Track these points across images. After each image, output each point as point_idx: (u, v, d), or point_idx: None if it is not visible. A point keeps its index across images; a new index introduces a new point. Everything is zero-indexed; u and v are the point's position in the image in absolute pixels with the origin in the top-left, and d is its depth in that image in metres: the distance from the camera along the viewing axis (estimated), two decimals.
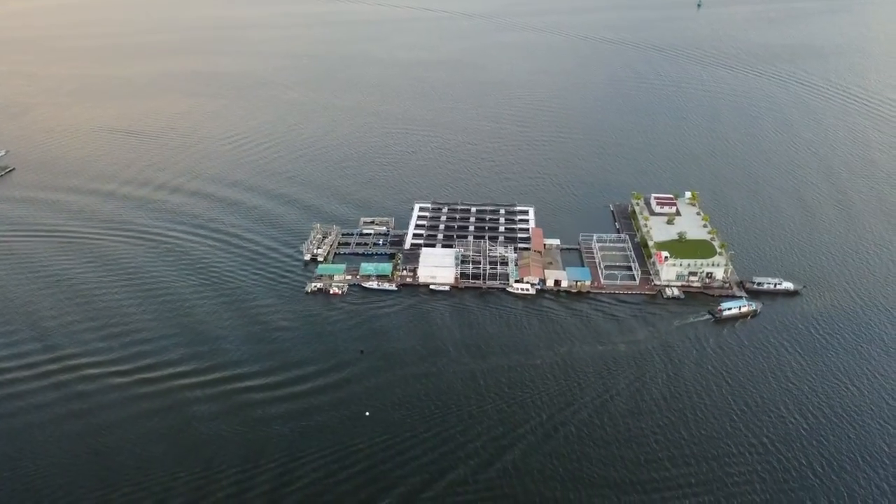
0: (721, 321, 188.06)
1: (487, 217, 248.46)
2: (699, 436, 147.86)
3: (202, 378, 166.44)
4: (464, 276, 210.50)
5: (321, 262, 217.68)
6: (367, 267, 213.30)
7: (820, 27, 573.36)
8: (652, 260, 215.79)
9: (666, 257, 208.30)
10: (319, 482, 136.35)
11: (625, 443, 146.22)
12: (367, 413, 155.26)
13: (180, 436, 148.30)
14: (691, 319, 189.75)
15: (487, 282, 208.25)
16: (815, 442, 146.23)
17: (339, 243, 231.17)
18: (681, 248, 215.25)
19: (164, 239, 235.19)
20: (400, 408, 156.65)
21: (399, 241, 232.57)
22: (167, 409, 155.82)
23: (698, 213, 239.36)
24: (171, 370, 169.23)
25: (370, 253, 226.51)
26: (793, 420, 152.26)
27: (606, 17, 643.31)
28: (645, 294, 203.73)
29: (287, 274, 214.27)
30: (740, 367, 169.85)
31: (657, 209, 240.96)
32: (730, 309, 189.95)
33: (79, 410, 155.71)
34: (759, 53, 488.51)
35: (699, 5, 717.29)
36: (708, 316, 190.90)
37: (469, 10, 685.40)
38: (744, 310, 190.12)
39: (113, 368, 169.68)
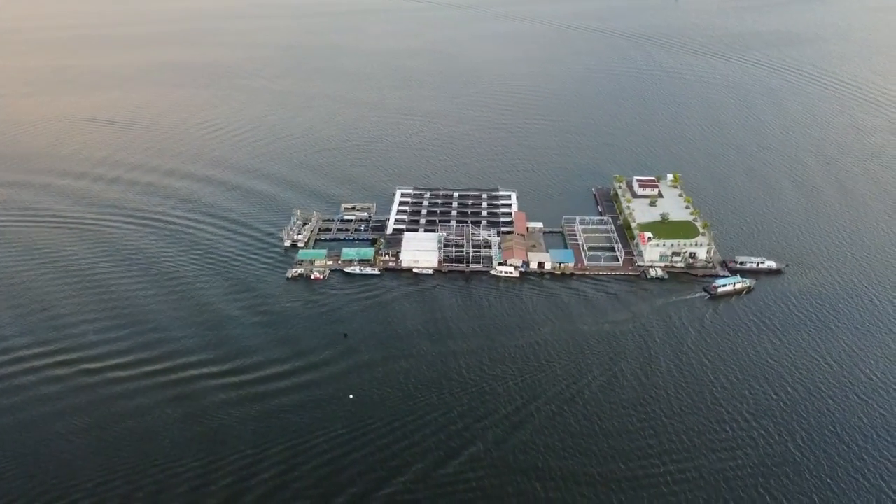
0: (715, 297, 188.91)
1: (470, 202, 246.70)
2: (685, 409, 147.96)
3: (180, 368, 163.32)
4: (447, 259, 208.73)
5: (302, 248, 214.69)
6: (349, 252, 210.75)
7: (795, 16, 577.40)
8: (635, 241, 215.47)
9: (649, 238, 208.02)
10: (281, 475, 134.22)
11: (634, 418, 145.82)
12: (351, 396, 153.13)
13: (183, 422, 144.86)
14: (687, 296, 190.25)
15: (471, 265, 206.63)
16: (794, 415, 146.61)
17: (319, 229, 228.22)
18: (664, 229, 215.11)
19: (138, 225, 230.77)
20: (386, 392, 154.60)
21: (381, 227, 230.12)
22: (169, 400, 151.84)
23: (680, 195, 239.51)
24: (143, 356, 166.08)
25: (352, 238, 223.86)
26: (774, 395, 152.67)
27: (586, 7, 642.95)
28: (628, 275, 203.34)
29: (267, 260, 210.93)
30: (728, 342, 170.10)
31: (640, 191, 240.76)
32: (724, 286, 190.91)
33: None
34: (737, 41, 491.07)
35: None
36: (703, 293, 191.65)
37: (447, 1, 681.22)
38: (738, 286, 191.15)
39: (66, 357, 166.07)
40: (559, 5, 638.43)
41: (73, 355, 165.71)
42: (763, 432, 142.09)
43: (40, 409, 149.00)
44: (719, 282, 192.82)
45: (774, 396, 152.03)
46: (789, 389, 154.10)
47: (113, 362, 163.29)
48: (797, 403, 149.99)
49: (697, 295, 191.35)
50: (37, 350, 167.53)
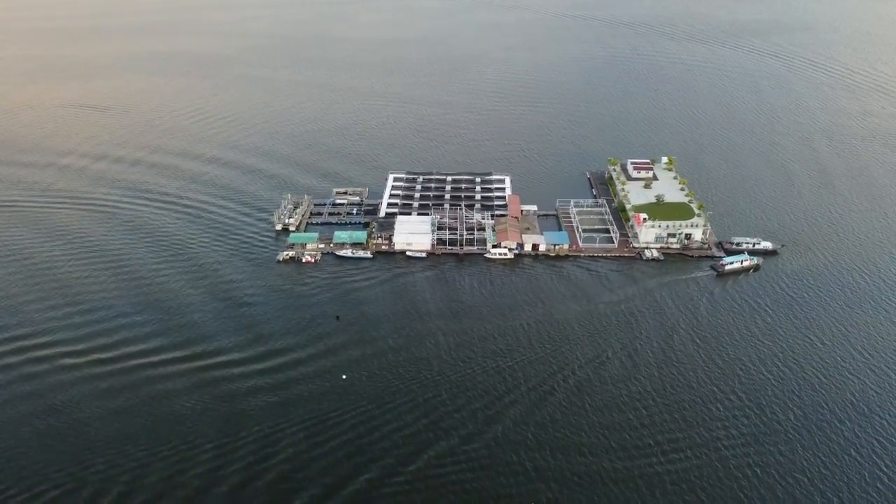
0: (723, 275, 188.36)
1: (463, 186, 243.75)
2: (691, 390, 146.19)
3: (172, 354, 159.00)
4: (440, 242, 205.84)
5: (293, 232, 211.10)
6: (341, 235, 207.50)
7: (785, 6, 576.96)
8: (630, 223, 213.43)
9: (644, 219, 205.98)
10: (298, 456, 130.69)
11: (650, 395, 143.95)
12: (344, 377, 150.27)
13: (151, 413, 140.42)
14: (694, 274, 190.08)
15: (465, 248, 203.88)
16: (794, 396, 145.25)
17: (311, 213, 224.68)
18: (659, 210, 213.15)
19: (126, 210, 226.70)
20: (378, 375, 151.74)
21: (373, 211, 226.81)
22: (134, 386, 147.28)
23: (675, 178, 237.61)
24: (140, 347, 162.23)
25: (344, 222, 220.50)
26: (762, 375, 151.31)
27: None
28: (624, 256, 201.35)
29: (258, 245, 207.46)
30: (729, 321, 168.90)
31: (634, 174, 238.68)
32: (731, 263, 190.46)
33: (32, 391, 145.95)
34: (728, 29, 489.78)
35: None
36: (710, 270, 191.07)
37: None
38: (745, 264, 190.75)
39: (68, 348, 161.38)
40: None
41: (82, 346, 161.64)
42: (751, 412, 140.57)
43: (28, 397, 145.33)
44: (727, 259, 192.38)
45: (762, 376, 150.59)
46: (779, 370, 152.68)
47: (138, 348, 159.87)
48: (789, 381, 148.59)
49: (706, 273, 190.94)
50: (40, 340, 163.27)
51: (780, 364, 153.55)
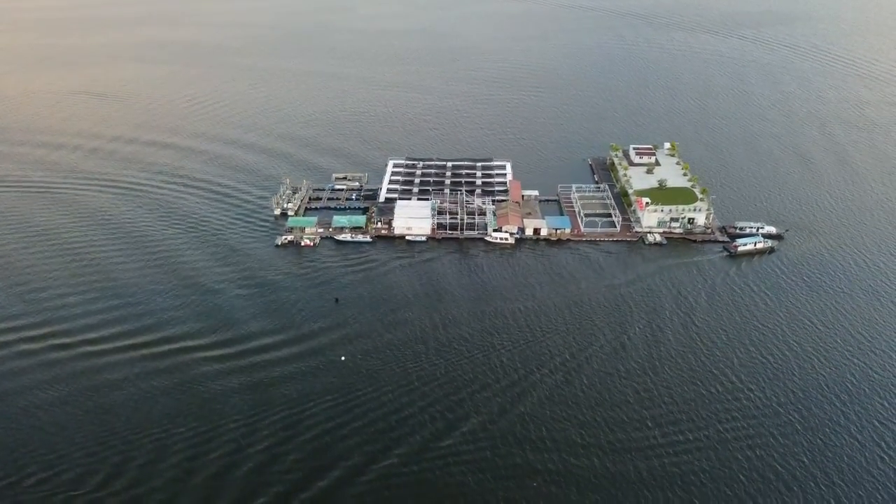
0: (735, 256, 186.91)
1: (464, 171, 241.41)
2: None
3: (135, 339, 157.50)
4: (440, 226, 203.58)
5: (292, 216, 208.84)
6: (340, 219, 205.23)
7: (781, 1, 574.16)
8: (632, 208, 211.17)
9: (647, 203, 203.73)
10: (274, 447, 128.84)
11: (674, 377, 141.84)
12: (343, 357, 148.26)
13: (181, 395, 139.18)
14: (707, 256, 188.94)
15: (465, 232, 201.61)
16: (797, 378, 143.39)
17: (310, 198, 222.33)
18: (661, 195, 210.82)
19: (121, 193, 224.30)
20: (378, 358, 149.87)
21: (373, 196, 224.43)
22: (169, 371, 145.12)
23: (678, 163, 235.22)
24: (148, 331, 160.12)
25: (343, 207, 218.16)
26: (762, 358, 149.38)
27: None
28: (626, 240, 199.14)
29: (256, 229, 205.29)
30: (746, 301, 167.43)
31: (636, 160, 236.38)
32: (745, 245, 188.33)
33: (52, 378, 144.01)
34: (729, 19, 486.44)
35: None
36: (723, 251, 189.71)
37: None
38: (759, 246, 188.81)
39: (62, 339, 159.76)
40: None
41: (63, 330, 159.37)
42: (752, 395, 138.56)
43: (18, 382, 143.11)
44: (740, 241, 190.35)
45: (763, 359, 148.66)
46: (776, 352, 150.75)
47: (97, 335, 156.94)
48: (789, 361, 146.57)
49: (717, 255, 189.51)
50: (14, 324, 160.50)
51: (784, 344, 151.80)
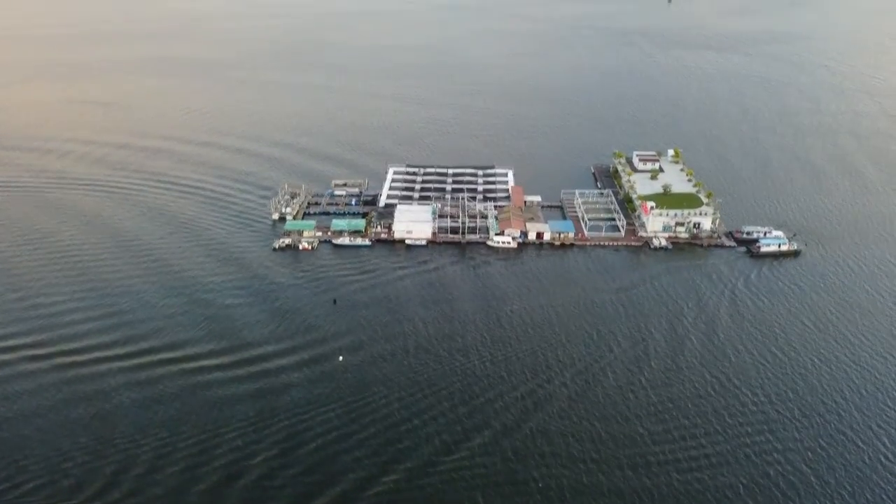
0: (756, 256, 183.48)
1: (465, 178, 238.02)
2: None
3: (164, 350, 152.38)
4: (441, 230, 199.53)
5: (290, 220, 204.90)
6: (339, 223, 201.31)
7: (782, 19, 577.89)
8: (637, 213, 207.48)
9: (652, 207, 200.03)
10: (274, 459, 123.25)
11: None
12: (340, 358, 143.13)
13: (181, 401, 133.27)
14: (723, 258, 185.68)
15: (466, 236, 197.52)
16: (826, 387, 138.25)
17: (308, 203, 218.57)
18: (666, 200, 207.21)
19: (118, 197, 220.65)
20: (374, 358, 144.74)
21: (373, 202, 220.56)
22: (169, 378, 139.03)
23: (682, 170, 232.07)
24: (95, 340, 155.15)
25: (342, 213, 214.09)
26: (790, 368, 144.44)
27: (580, 9, 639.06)
28: (632, 245, 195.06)
29: (254, 233, 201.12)
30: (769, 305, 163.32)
31: (640, 166, 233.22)
32: (768, 245, 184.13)
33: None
34: (729, 37, 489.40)
35: (669, 0, 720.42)
36: (745, 251, 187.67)
37: (438, 3, 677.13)
38: (783, 248, 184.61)
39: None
40: (552, 8, 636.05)
41: (61, 336, 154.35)
42: (738, 391, 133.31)
43: (17, 388, 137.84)
44: (763, 241, 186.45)
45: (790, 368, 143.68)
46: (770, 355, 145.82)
47: (95, 342, 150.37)
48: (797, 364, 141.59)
49: (737, 255, 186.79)
50: (15, 329, 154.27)
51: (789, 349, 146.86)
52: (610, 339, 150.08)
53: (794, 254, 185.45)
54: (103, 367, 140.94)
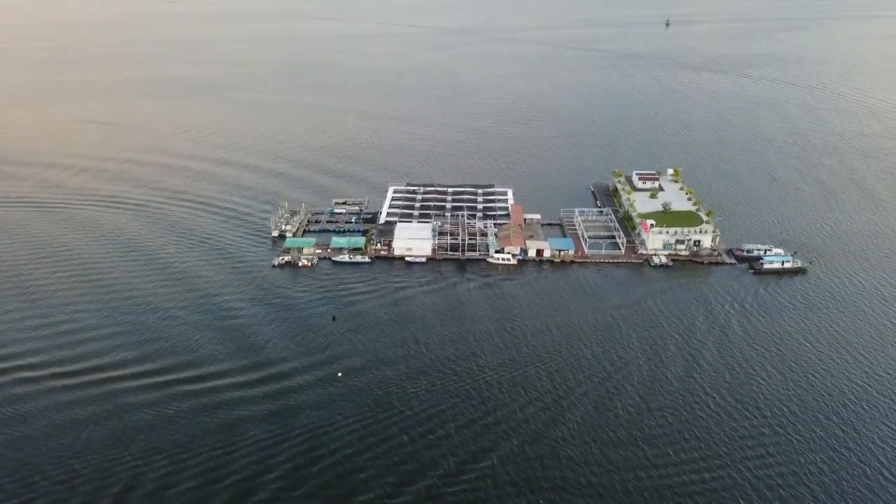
0: (759, 273, 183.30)
1: (465, 196, 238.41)
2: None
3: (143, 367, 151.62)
4: (441, 247, 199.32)
5: (289, 237, 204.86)
6: (339, 240, 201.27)
7: (779, 42, 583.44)
8: (637, 230, 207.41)
9: (652, 225, 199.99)
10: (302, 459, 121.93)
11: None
12: (340, 374, 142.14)
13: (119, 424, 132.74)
14: (725, 276, 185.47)
15: (466, 253, 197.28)
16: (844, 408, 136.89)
17: (308, 221, 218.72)
18: (666, 218, 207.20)
19: (124, 211, 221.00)
20: (376, 375, 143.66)
21: (372, 219, 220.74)
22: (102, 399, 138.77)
23: (682, 188, 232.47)
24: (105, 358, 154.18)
25: (342, 230, 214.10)
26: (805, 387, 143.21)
27: (584, 32, 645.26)
28: (632, 263, 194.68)
29: (253, 250, 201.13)
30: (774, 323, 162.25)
31: (639, 185, 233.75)
32: (771, 262, 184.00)
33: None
34: (727, 59, 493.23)
35: (668, 24, 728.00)
36: (745, 266, 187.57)
37: (442, 25, 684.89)
38: (787, 265, 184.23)
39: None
40: (553, 32, 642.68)
41: (77, 356, 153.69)
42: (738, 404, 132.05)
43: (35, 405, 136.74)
44: (767, 258, 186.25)
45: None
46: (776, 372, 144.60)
47: (107, 361, 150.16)
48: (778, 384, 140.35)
49: (739, 272, 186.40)
50: (23, 349, 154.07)
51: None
52: (619, 357, 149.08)
53: (799, 271, 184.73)
54: (119, 385, 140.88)
